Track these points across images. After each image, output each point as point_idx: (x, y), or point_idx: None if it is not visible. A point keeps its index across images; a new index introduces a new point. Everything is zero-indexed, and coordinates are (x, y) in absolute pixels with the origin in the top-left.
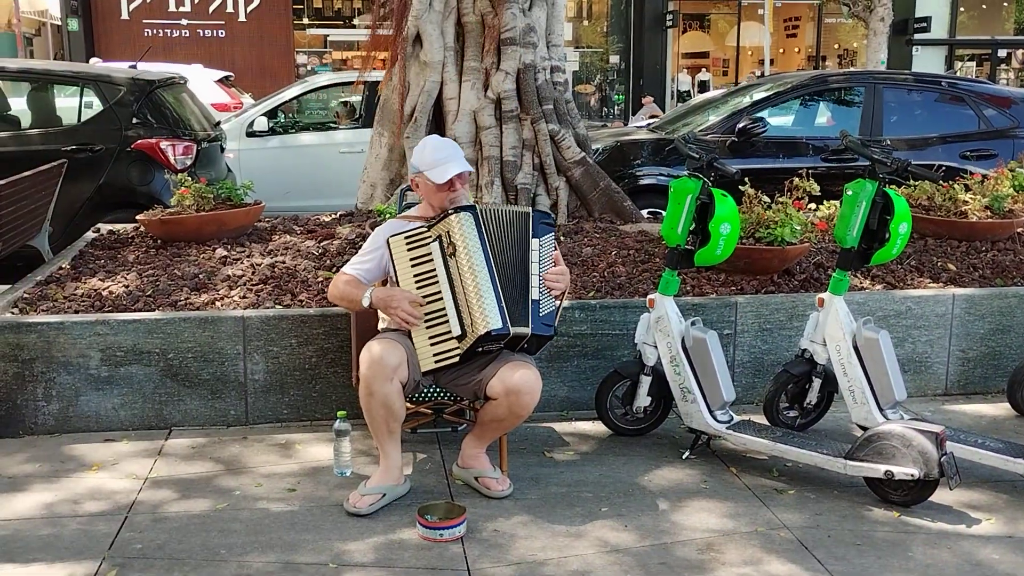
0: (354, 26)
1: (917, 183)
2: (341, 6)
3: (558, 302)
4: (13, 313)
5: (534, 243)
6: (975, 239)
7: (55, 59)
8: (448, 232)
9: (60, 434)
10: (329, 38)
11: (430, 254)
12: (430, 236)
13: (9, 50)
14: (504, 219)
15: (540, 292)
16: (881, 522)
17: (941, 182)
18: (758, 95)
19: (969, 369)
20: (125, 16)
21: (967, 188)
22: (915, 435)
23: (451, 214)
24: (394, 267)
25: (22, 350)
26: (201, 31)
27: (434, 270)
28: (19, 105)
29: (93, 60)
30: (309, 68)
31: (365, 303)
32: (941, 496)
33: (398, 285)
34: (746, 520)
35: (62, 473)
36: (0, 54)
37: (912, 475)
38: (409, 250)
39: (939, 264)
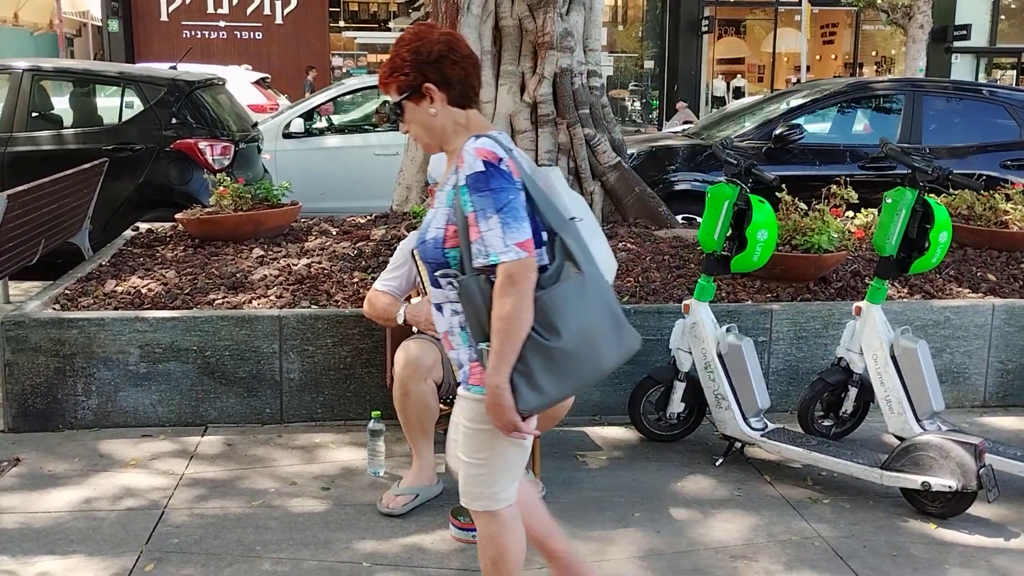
0: (389, 29)
1: (957, 192)
2: (377, 9)
3: None
4: (55, 309)
5: None
6: (1016, 249)
7: (95, 59)
8: None
9: (99, 429)
10: (360, 40)
11: None
12: None
13: (51, 50)
14: None
15: None
16: (917, 534)
17: (982, 191)
18: (795, 102)
19: (1008, 381)
20: (164, 18)
21: (1008, 198)
22: (953, 446)
23: None
24: (422, 278)
25: (63, 345)
26: (239, 33)
27: None
28: (61, 105)
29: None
30: (345, 70)
31: (400, 320)
32: (979, 509)
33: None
34: (780, 529)
35: (100, 468)
36: (42, 54)
37: (950, 487)
38: None
39: (979, 274)
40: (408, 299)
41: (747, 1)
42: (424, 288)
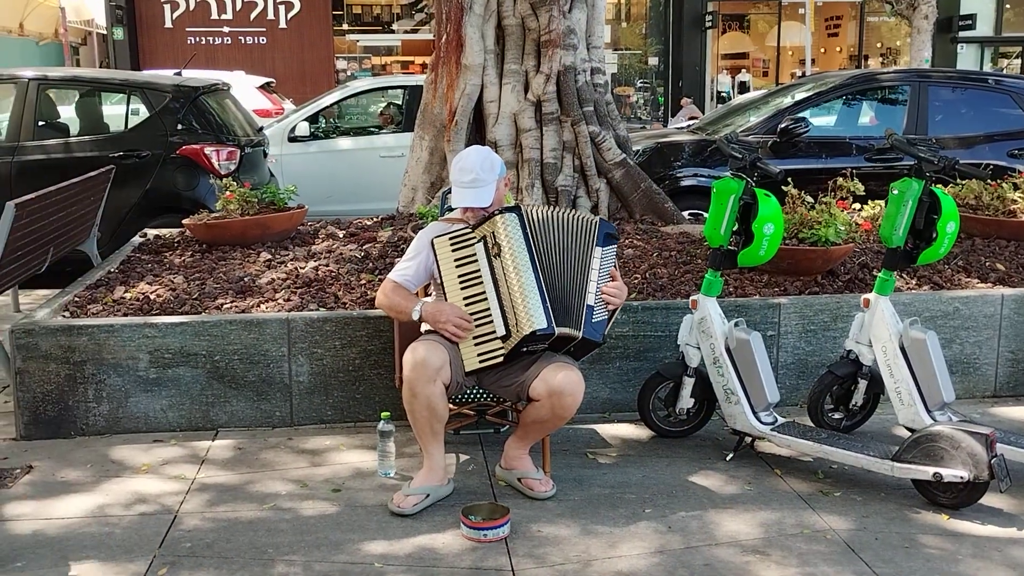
0: (393, 31)
1: (965, 182)
2: (380, 12)
3: (610, 314)
4: (64, 316)
5: (597, 251)
6: None
7: (101, 67)
8: (493, 233)
9: (110, 435)
10: (364, 43)
11: (475, 255)
12: (475, 237)
13: (56, 59)
14: (565, 223)
15: (596, 299)
16: (929, 525)
17: (989, 181)
18: (800, 95)
19: (1019, 371)
20: (169, 24)
21: (1016, 187)
22: (964, 436)
23: (496, 215)
24: (439, 268)
25: (73, 352)
26: (243, 38)
27: (479, 271)
28: (67, 113)
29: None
30: (349, 73)
31: (415, 316)
32: (991, 499)
33: (443, 286)
34: (791, 522)
35: (113, 474)
36: (48, 63)
37: (961, 477)
38: (454, 251)
39: (987, 264)
40: (417, 294)
41: None
42: (440, 280)
